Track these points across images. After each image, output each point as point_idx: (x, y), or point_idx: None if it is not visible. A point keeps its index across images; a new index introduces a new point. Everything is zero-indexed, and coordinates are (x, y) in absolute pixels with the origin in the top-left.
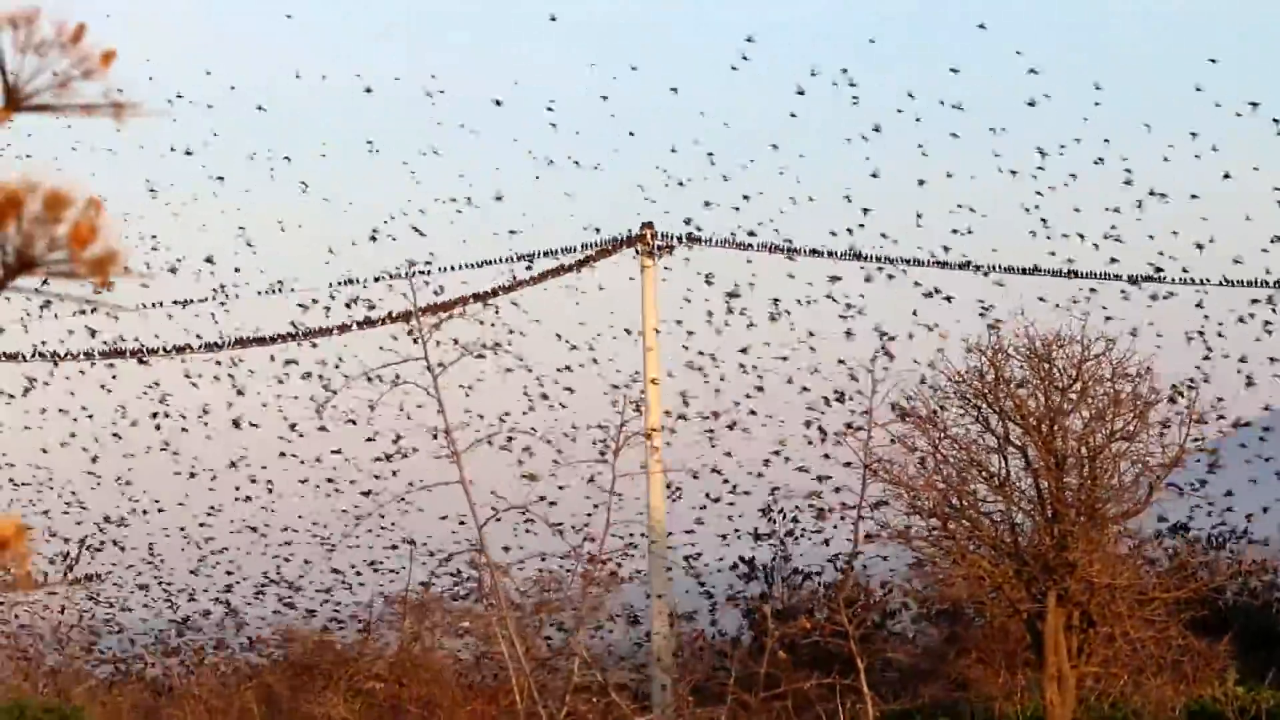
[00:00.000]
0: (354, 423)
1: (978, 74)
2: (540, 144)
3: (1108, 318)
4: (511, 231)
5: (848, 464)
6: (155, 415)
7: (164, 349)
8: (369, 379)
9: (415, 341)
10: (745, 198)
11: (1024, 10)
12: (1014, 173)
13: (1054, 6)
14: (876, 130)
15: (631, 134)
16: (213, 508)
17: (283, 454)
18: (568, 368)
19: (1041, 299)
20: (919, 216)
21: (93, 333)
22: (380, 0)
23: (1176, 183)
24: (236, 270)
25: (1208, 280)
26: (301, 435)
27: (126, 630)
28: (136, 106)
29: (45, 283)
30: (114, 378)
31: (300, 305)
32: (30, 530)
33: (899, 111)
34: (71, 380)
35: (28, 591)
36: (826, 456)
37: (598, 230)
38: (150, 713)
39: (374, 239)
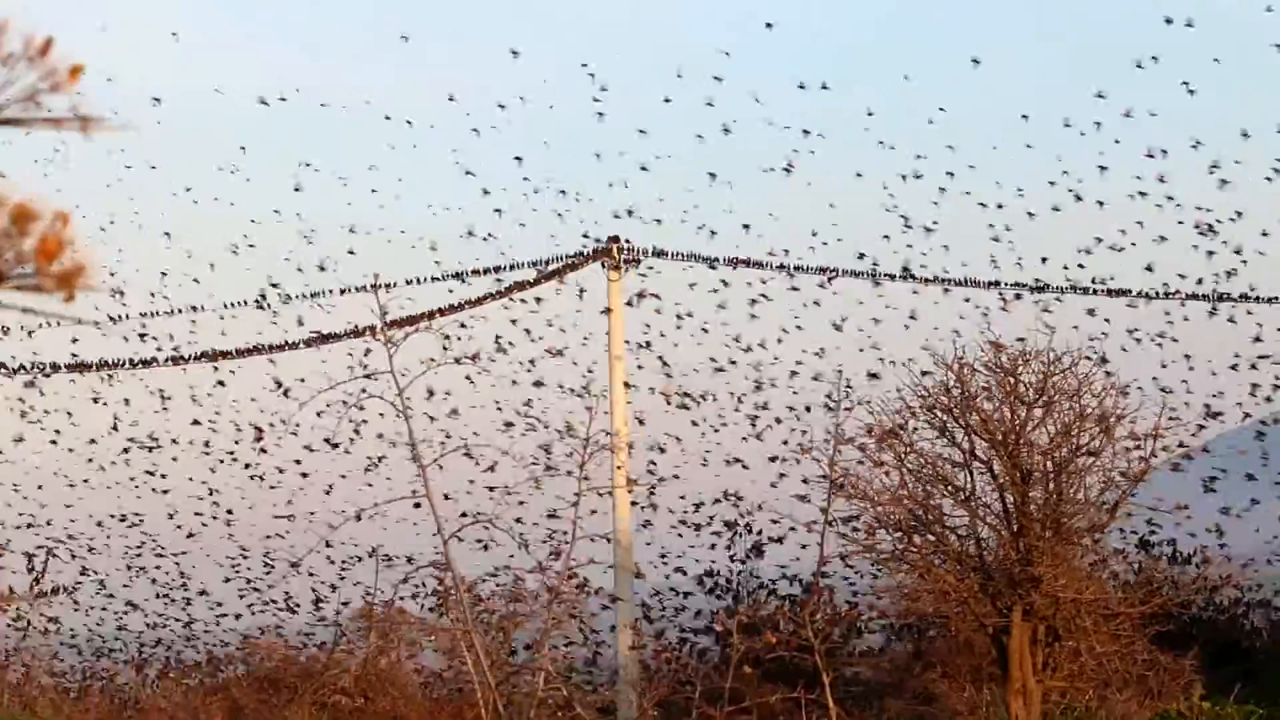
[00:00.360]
0: (334, 444)
1: (946, 90)
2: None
3: (1074, 326)
4: (487, 236)
5: (821, 477)
6: (116, 428)
7: (129, 361)
8: (337, 390)
9: (372, 348)
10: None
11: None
12: (984, 205)
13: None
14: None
15: (598, 155)
16: (180, 524)
17: (249, 465)
18: (537, 383)
19: (1004, 309)
20: (886, 238)
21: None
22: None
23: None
24: (196, 281)
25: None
26: (264, 451)
27: (91, 642)
28: (104, 121)
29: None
30: (72, 393)
31: (271, 321)
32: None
33: (866, 129)
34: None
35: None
36: (783, 476)
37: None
38: None
39: (351, 253)
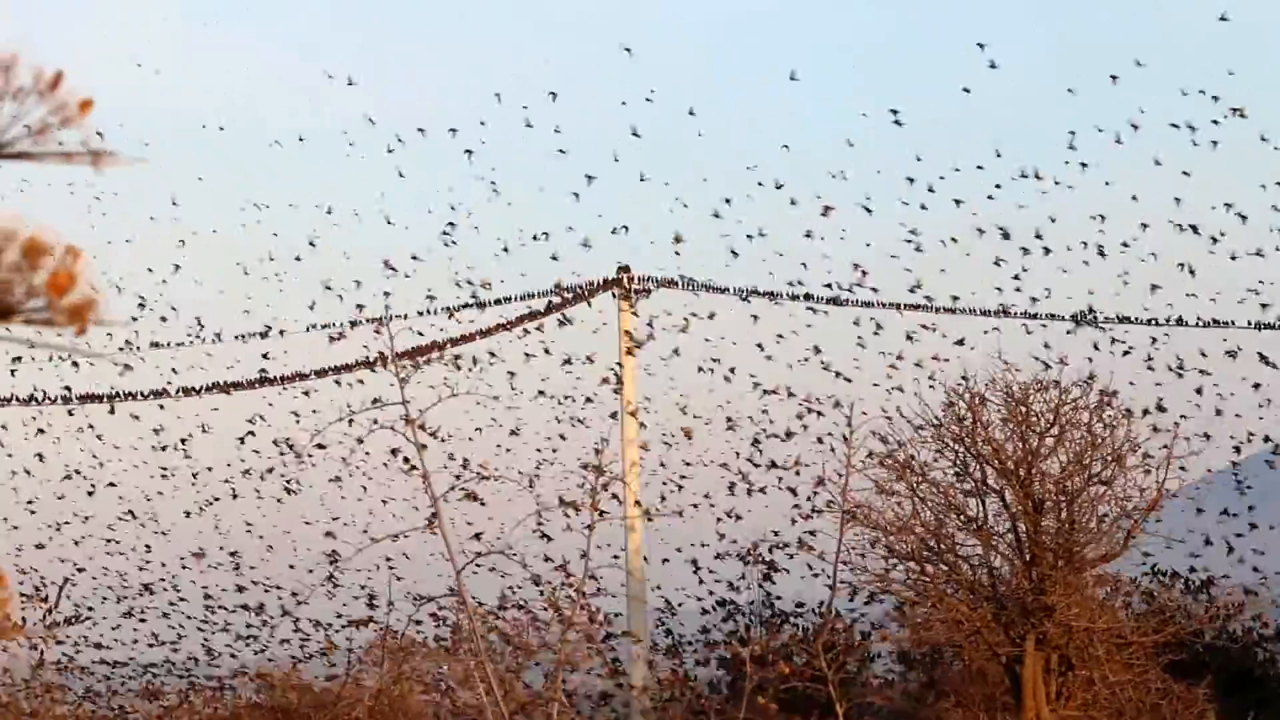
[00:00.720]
0: (338, 479)
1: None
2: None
3: (1089, 358)
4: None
5: (830, 503)
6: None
7: (140, 394)
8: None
9: (392, 380)
10: (749, 237)
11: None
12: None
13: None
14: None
15: (589, 178)
16: (193, 553)
17: (258, 493)
18: (559, 407)
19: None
20: (896, 257)
21: (75, 366)
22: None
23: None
24: (198, 319)
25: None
26: (263, 481)
27: (104, 672)
28: (115, 155)
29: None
30: (88, 424)
31: (271, 351)
32: (5, 577)
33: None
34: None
35: (10, 639)
36: (799, 509)
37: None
38: None
39: (358, 284)
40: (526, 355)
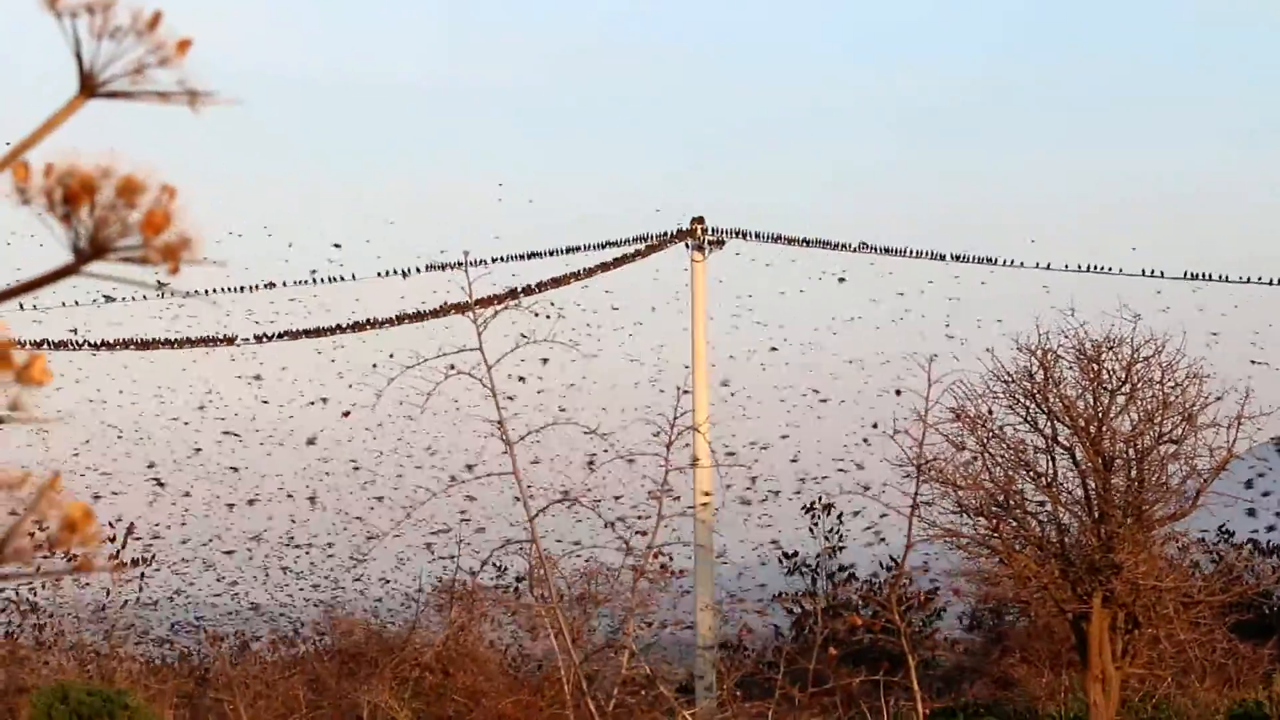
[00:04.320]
0: (411, 418)
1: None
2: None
3: (1163, 311)
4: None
5: (904, 462)
6: (202, 407)
7: (210, 338)
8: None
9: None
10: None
11: None
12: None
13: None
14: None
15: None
16: (256, 496)
17: (313, 441)
18: (624, 369)
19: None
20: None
21: (162, 291)
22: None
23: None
24: (286, 261)
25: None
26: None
27: (172, 616)
28: (212, 95)
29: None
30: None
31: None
32: (94, 515)
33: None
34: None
35: (88, 573)
36: (858, 464)
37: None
38: (194, 698)
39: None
40: (600, 307)
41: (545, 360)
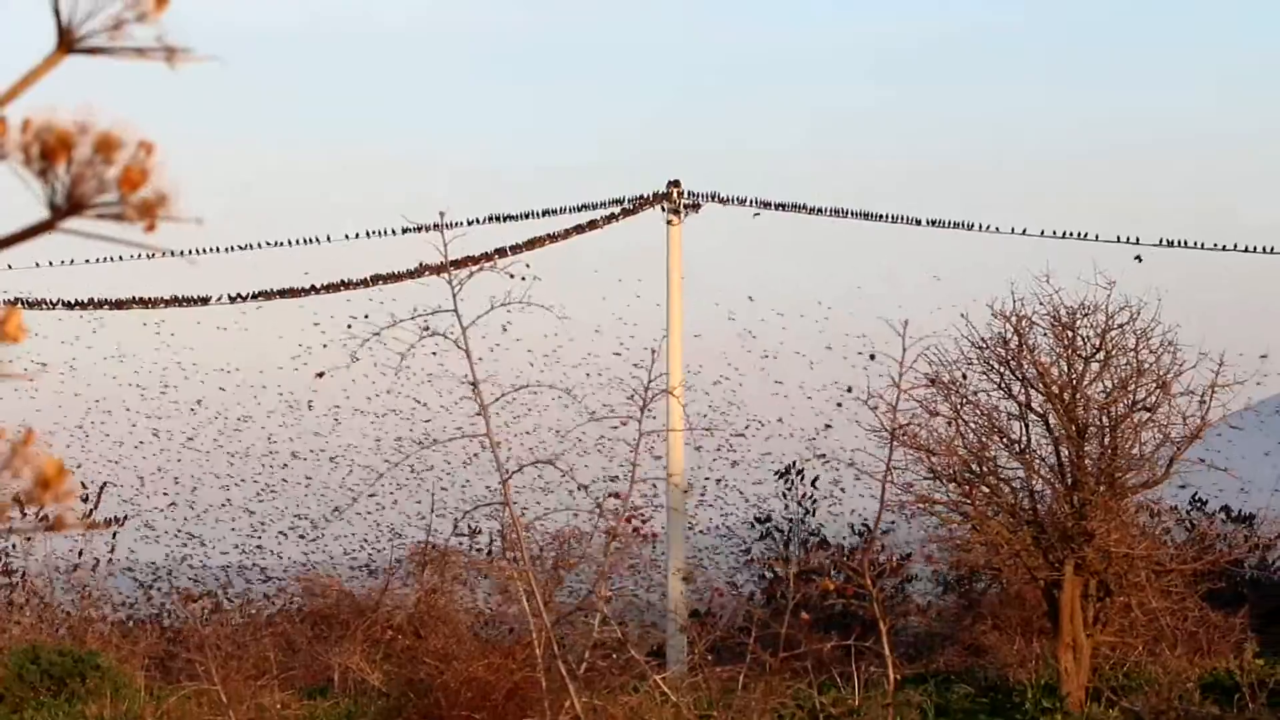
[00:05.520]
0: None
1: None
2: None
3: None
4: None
5: (877, 431)
6: (181, 364)
7: (185, 299)
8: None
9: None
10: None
11: None
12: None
13: None
14: None
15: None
16: (233, 455)
17: (310, 404)
18: (597, 332)
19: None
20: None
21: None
22: None
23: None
24: (263, 220)
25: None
26: (317, 389)
27: (143, 575)
28: (189, 52)
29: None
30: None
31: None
32: (70, 472)
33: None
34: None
35: (63, 532)
36: (827, 425)
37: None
38: (166, 659)
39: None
40: (576, 269)
41: (506, 326)
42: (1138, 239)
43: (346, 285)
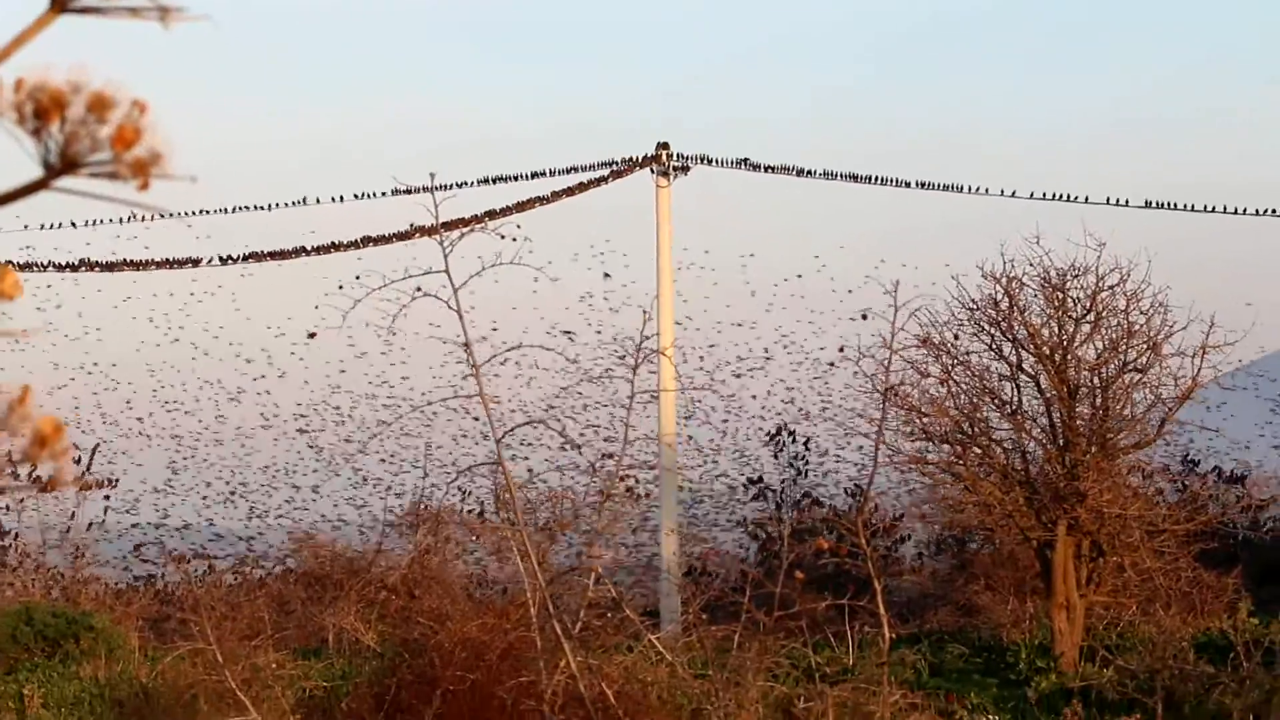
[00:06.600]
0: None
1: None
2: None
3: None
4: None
5: (870, 390)
6: (174, 327)
7: (174, 261)
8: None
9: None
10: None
11: None
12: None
13: None
14: None
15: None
16: (226, 419)
17: (303, 360)
18: (588, 295)
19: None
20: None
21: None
22: None
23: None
24: (253, 182)
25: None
26: (308, 348)
27: (137, 536)
28: (182, 11)
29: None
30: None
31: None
32: (65, 428)
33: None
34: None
35: (58, 491)
36: (825, 383)
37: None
38: (159, 620)
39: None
40: (566, 231)
41: (497, 280)
42: (1127, 201)
43: (337, 247)
